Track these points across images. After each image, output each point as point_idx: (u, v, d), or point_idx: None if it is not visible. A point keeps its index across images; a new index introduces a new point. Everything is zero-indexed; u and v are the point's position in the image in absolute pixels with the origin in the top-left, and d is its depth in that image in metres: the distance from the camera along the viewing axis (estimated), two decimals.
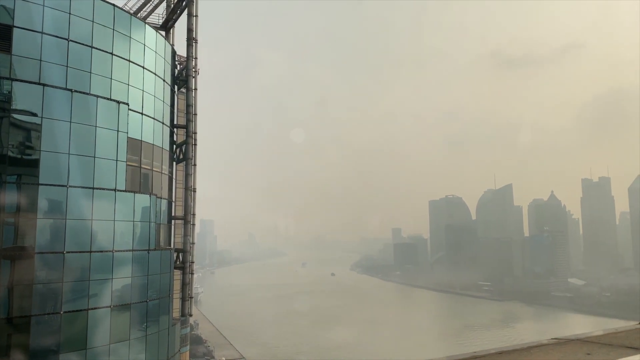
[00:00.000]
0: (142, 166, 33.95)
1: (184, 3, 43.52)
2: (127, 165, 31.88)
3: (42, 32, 28.18)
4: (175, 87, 42.66)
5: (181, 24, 45.27)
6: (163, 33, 43.80)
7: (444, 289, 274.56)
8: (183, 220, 41.59)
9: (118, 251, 30.91)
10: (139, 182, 33.59)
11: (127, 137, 32.13)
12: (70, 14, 29.43)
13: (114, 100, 31.54)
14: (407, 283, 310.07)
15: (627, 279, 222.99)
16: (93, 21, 30.77)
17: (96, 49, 30.75)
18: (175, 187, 42.40)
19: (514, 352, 4.58)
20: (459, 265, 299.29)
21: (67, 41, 29.17)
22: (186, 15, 43.15)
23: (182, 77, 42.99)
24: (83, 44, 30.10)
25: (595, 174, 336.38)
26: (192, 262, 41.97)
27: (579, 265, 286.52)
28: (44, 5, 28.33)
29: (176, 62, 42.71)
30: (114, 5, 32.52)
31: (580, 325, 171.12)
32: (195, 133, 42.89)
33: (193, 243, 42.25)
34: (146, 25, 36.54)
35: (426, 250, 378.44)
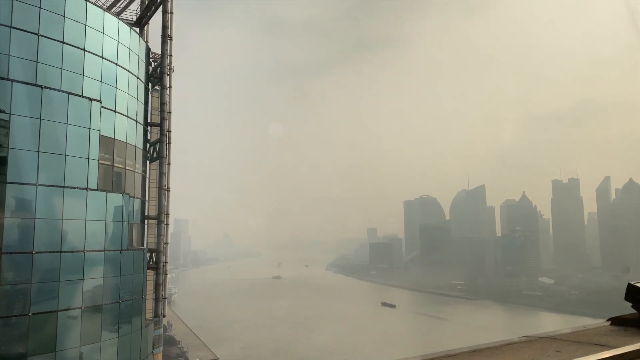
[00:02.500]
0: (115, 165, 33.39)
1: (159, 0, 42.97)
2: (99, 163, 31.31)
3: (10, 26, 27.43)
4: (150, 84, 42.09)
5: (156, 21, 44.75)
6: (137, 29, 43.13)
7: (418, 288, 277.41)
8: (157, 220, 41.08)
9: (89, 251, 30.31)
10: (112, 181, 33.03)
11: (100, 135, 31.55)
12: (40, 8, 28.75)
13: (86, 98, 30.91)
14: (381, 282, 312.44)
15: (595, 278, 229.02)
16: (64, 16, 30.09)
17: (67, 44, 30.09)
18: (149, 186, 41.84)
19: (487, 350, 4.65)
20: (432, 265, 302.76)
21: (37, 36, 28.48)
22: (161, 12, 42.65)
23: (156, 75, 42.45)
24: (54, 40, 29.42)
25: (565, 175, 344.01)
26: (166, 263, 41.48)
27: (549, 264, 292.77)
28: None
29: (150, 60, 42.13)
30: (86, 0, 31.89)
31: (550, 323, 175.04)
32: (170, 131, 42.45)
33: (167, 243, 41.77)
34: (120, 21, 35.93)
35: (401, 250, 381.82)
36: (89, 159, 30.61)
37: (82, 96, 30.73)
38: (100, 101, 31.86)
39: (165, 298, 41.56)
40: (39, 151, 27.87)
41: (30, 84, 27.98)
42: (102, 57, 32.57)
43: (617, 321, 6.04)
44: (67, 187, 29.20)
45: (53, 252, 28.34)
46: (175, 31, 43.04)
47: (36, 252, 27.38)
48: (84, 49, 31.14)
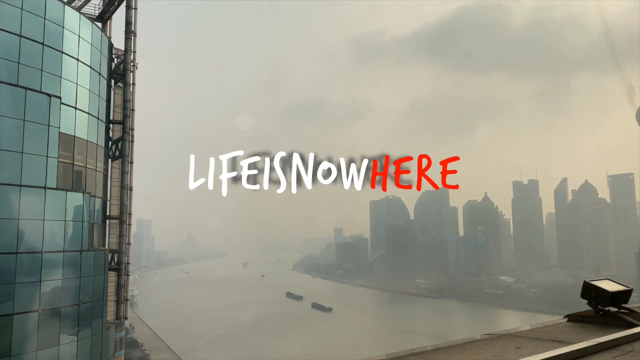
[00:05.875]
0: (75, 163, 32.45)
1: None
2: (58, 161, 30.36)
3: None
4: (112, 81, 41.10)
5: (119, 16, 43.69)
6: (99, 24, 42.02)
7: (382, 287, 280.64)
8: (118, 220, 40.13)
9: (48, 252, 29.36)
10: (72, 180, 32.09)
11: (59, 132, 30.61)
12: None
13: (44, 93, 29.92)
14: (347, 282, 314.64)
15: (553, 276, 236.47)
16: (22, 9, 29.07)
17: (26, 38, 29.09)
18: (111, 185, 40.87)
19: (450, 349, 4.76)
20: (397, 264, 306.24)
21: None
22: (124, 7, 41.70)
23: (119, 71, 41.50)
24: (11, 33, 28.39)
25: (525, 177, 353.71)
26: (128, 264, 40.62)
27: (510, 263, 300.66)
28: None
29: (113, 56, 41.14)
30: None
31: (510, 320, 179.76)
32: (133, 129, 41.50)
33: (129, 244, 40.88)
34: (81, 15, 34.93)
35: (367, 249, 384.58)
36: (47, 157, 29.64)
37: (41, 92, 29.73)
38: (59, 97, 30.88)
39: (127, 300, 40.66)
40: None
41: None
42: (62, 52, 31.60)
43: (573, 318, 6.30)
44: (25, 186, 28.22)
45: (9, 253, 27.35)
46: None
47: None
48: (42, 43, 30.13)
